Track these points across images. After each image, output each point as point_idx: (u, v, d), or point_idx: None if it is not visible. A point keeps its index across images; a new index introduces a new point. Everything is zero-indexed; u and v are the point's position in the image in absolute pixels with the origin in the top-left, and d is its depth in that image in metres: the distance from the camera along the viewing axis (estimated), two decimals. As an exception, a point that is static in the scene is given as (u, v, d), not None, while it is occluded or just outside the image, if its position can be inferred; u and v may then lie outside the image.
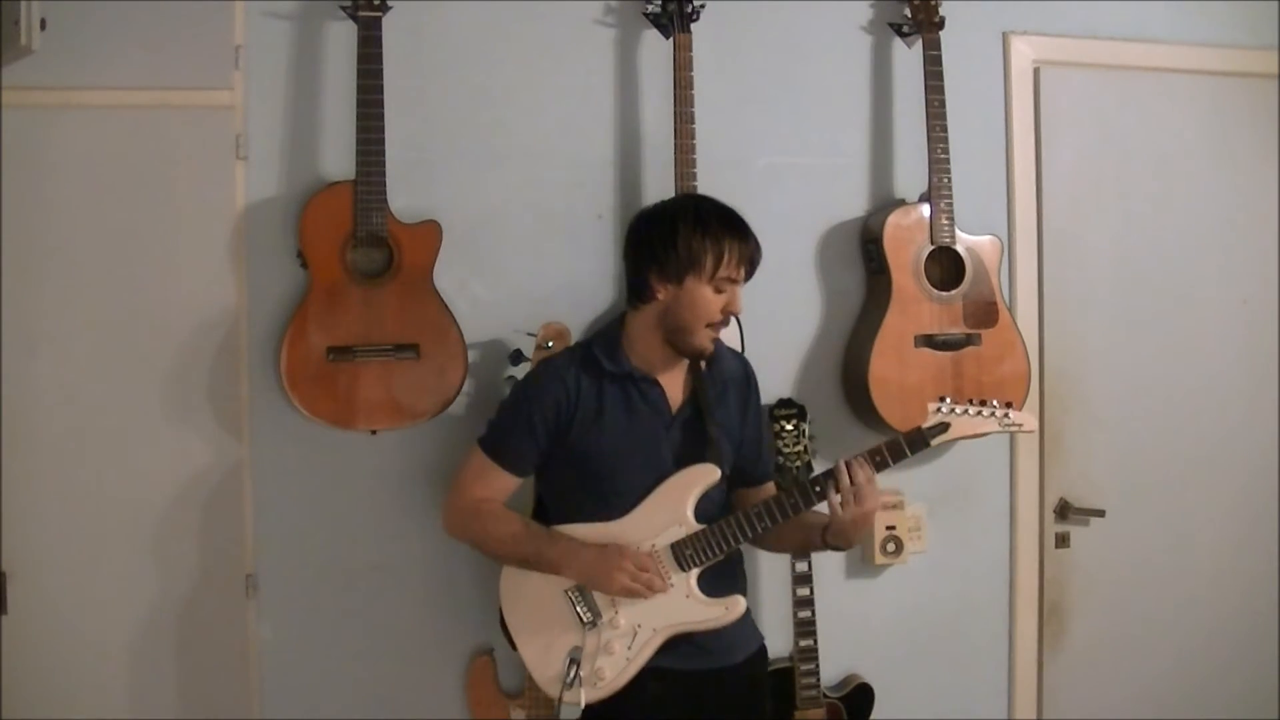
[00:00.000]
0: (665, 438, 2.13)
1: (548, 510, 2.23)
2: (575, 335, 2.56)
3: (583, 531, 2.11)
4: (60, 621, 2.41)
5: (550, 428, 2.11)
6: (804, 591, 2.61)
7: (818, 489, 2.07)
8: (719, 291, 2.07)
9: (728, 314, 2.09)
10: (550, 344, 2.45)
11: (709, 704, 2.14)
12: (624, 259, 2.18)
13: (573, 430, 2.10)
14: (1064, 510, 3.01)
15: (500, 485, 2.15)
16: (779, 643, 2.46)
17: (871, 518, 2.07)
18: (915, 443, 2.07)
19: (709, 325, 2.08)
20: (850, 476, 2.03)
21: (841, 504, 2.04)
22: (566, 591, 2.09)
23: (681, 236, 2.04)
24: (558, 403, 2.10)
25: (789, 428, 2.58)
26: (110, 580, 2.43)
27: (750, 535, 2.09)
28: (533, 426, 2.11)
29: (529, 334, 2.48)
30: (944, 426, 2.07)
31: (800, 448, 2.59)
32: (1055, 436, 2.98)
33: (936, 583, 2.92)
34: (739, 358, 2.30)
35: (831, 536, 2.11)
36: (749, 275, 2.12)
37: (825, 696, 2.68)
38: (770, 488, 2.34)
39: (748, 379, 2.29)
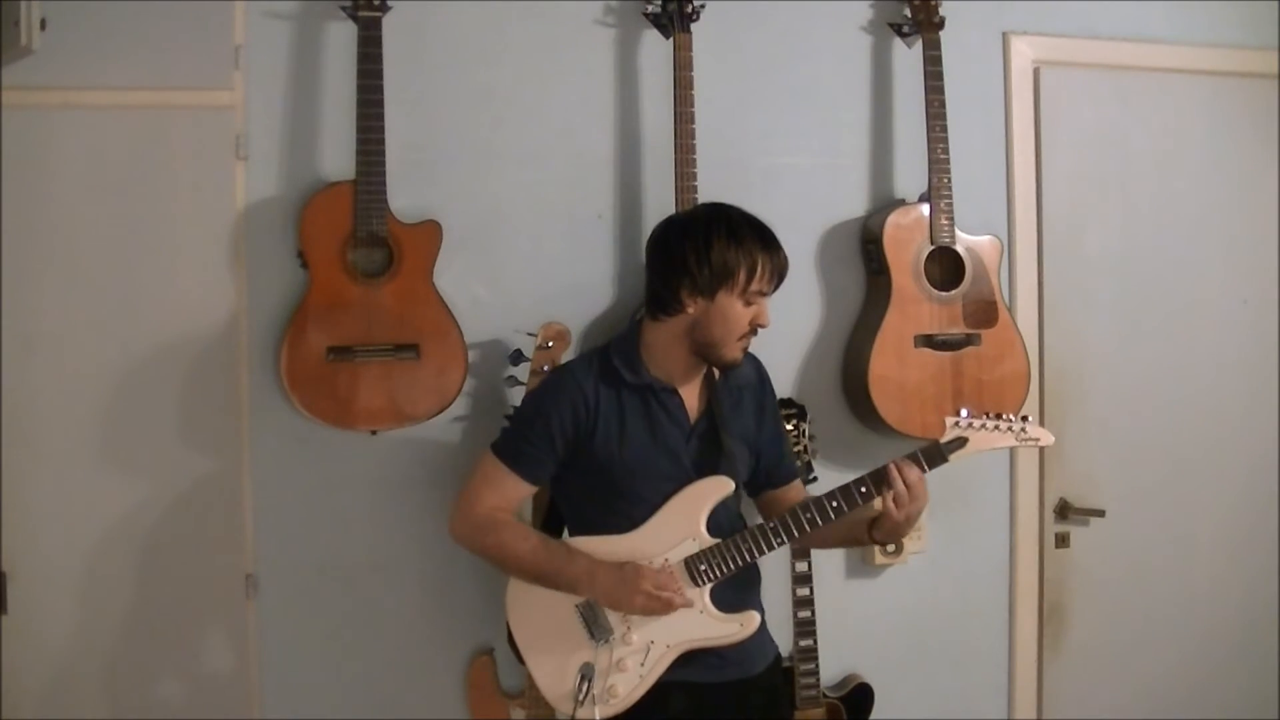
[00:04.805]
0: (685, 449, 2.11)
1: (564, 519, 2.22)
2: (575, 335, 2.56)
3: (595, 544, 2.08)
4: (60, 621, 2.41)
5: (569, 437, 2.07)
6: (804, 591, 2.60)
7: (835, 504, 2.05)
8: (748, 304, 2.04)
9: (756, 326, 2.06)
10: (550, 344, 2.45)
11: (733, 716, 2.12)
12: (649, 270, 2.13)
13: (595, 442, 2.07)
14: (1064, 510, 3.01)
15: (514, 493, 2.11)
16: (779, 643, 2.44)
17: (920, 514, 2.07)
18: (934, 458, 2.05)
19: (739, 338, 2.06)
20: (904, 479, 2.01)
21: (896, 504, 2.02)
22: (577, 607, 2.06)
23: (716, 250, 2.00)
24: (576, 412, 2.06)
25: (789, 428, 2.58)
26: (110, 580, 2.43)
27: (764, 551, 2.06)
28: (550, 434, 2.07)
29: (529, 334, 2.47)
30: (962, 441, 2.05)
31: (800, 448, 2.59)
32: (1055, 436, 2.96)
33: (936, 583, 2.92)
34: (751, 359, 2.24)
35: (880, 534, 2.10)
36: (777, 287, 2.09)
37: (825, 696, 2.68)
38: (798, 486, 2.32)
39: (761, 381, 2.25)
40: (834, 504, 2.05)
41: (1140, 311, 3.05)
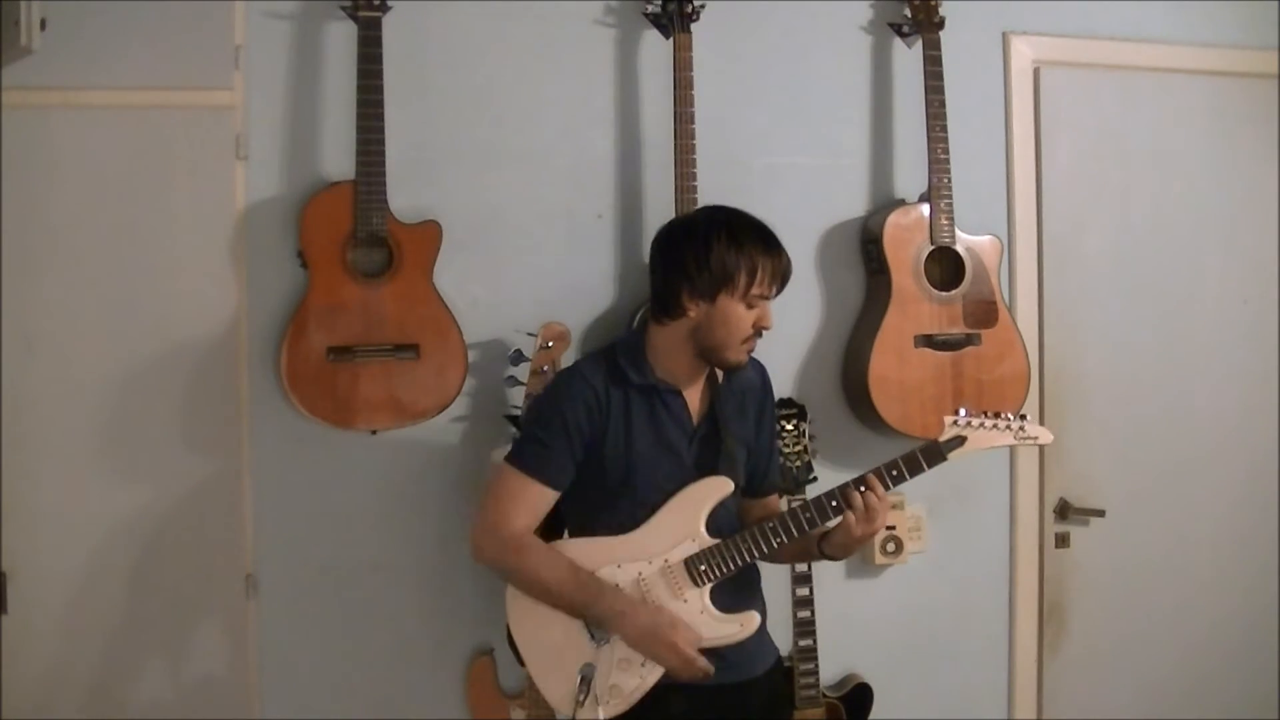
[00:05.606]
0: (687, 450, 2.11)
1: (565, 519, 2.20)
2: (575, 335, 2.56)
3: (597, 545, 2.07)
4: (60, 621, 2.41)
5: (585, 435, 2.06)
6: (803, 591, 2.61)
7: (834, 504, 2.04)
8: (750, 308, 2.03)
9: (759, 329, 2.06)
10: (550, 344, 2.45)
11: (734, 718, 2.11)
12: (651, 273, 2.13)
13: (606, 441, 2.07)
14: (1064, 510, 3.01)
15: (539, 504, 2.08)
16: (779, 643, 2.45)
17: (872, 536, 2.07)
18: (933, 457, 2.06)
19: (743, 341, 2.06)
20: (864, 500, 2.01)
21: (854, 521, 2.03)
22: None
23: (715, 254, 2.00)
24: (590, 411, 2.06)
25: (789, 428, 2.58)
26: (110, 580, 2.43)
27: (764, 552, 2.05)
28: (569, 435, 2.06)
29: (529, 334, 2.47)
30: (960, 440, 2.06)
31: (800, 448, 2.59)
32: (1055, 436, 2.95)
33: (936, 583, 2.92)
34: (755, 363, 2.23)
35: (830, 548, 2.10)
36: (780, 290, 2.09)
37: (824, 696, 2.68)
38: (773, 501, 2.31)
39: (764, 386, 2.25)
40: (833, 504, 2.05)
41: (1140, 311, 3.05)
